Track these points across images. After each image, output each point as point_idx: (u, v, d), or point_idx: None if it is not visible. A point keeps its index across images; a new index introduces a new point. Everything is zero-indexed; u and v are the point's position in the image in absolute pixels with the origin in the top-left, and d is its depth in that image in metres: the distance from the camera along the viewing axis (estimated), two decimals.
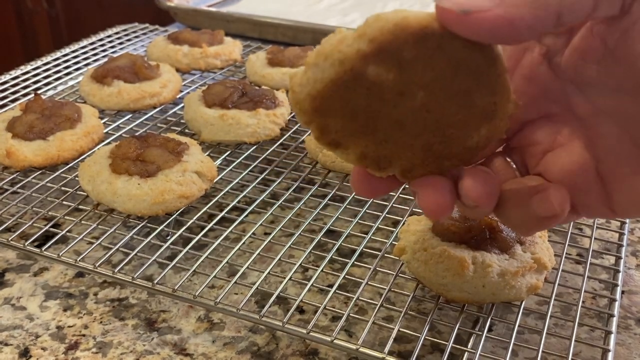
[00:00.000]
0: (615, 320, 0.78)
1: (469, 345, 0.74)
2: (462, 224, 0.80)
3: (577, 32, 0.52)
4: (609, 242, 0.94)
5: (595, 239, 0.92)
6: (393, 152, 0.52)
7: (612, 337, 0.75)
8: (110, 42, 1.61)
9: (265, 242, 0.88)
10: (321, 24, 1.66)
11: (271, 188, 1.00)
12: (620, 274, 0.85)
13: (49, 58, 1.49)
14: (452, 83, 0.49)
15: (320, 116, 0.49)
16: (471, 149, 0.54)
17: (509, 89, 0.52)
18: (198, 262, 0.83)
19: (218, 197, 0.98)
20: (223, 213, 0.93)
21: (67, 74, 1.43)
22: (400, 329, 0.75)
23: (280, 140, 1.15)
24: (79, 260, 0.84)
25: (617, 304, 0.80)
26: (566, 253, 0.87)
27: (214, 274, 0.82)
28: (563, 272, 0.85)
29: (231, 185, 1.00)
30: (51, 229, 0.92)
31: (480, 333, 0.75)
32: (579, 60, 0.52)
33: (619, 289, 0.82)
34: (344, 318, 0.75)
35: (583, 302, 0.79)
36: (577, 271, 0.87)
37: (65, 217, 0.94)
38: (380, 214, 0.94)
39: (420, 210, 0.92)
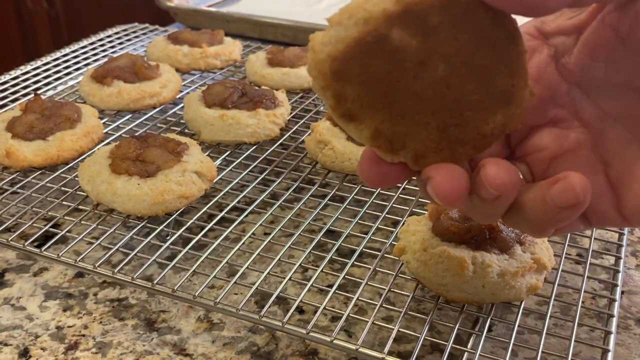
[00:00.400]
0: (615, 320, 0.77)
1: (469, 346, 0.74)
2: (462, 224, 0.80)
3: (587, 27, 0.52)
4: (609, 242, 0.93)
5: (595, 239, 0.92)
6: (408, 130, 0.51)
7: (612, 337, 0.75)
8: (110, 42, 1.62)
9: (265, 242, 0.87)
10: (321, 24, 1.65)
11: (271, 188, 1.00)
12: (620, 274, 0.85)
13: (48, 58, 1.49)
14: (474, 57, 0.49)
15: (338, 81, 0.47)
16: (486, 136, 0.53)
17: (527, 72, 0.51)
18: (198, 262, 0.83)
19: (218, 197, 0.98)
20: (223, 213, 0.93)
21: (67, 74, 1.43)
22: (400, 329, 0.75)
23: (280, 141, 1.15)
24: (79, 261, 0.85)
25: (616, 304, 0.80)
26: (566, 253, 0.87)
27: (213, 274, 0.82)
28: (563, 272, 0.85)
29: (231, 185, 1.00)
30: (51, 229, 0.92)
31: (480, 333, 0.74)
32: (587, 59, 0.52)
33: (618, 289, 0.82)
34: (343, 318, 0.74)
35: (583, 302, 0.79)
36: (576, 271, 0.87)
37: (65, 217, 0.94)
38: (380, 214, 0.94)
39: (420, 211, 0.93)
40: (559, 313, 0.83)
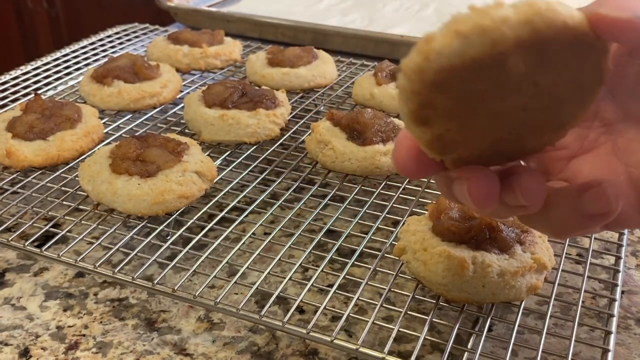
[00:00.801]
0: (615, 320, 0.77)
1: (469, 345, 0.74)
2: (462, 224, 0.79)
3: None
4: (609, 242, 0.93)
5: (595, 238, 0.92)
6: (466, 139, 0.49)
7: (612, 337, 0.74)
8: (110, 42, 1.61)
9: (265, 242, 0.87)
10: (321, 24, 1.66)
11: (271, 188, 1.00)
12: (620, 273, 0.85)
13: (49, 58, 1.49)
14: (561, 91, 0.47)
15: (433, 91, 0.44)
16: (525, 152, 0.53)
17: (591, 106, 0.50)
18: (198, 262, 0.83)
19: (218, 197, 0.97)
20: (223, 213, 0.93)
21: (67, 74, 1.43)
22: (400, 329, 0.74)
23: (280, 141, 1.14)
24: (79, 261, 0.84)
25: (616, 304, 0.79)
26: (566, 253, 0.87)
27: (214, 274, 0.81)
28: (563, 272, 0.84)
29: (231, 185, 1.00)
30: (51, 229, 0.92)
31: (480, 333, 0.74)
32: (625, 55, 0.51)
33: (618, 289, 0.82)
34: (343, 318, 0.74)
35: (583, 302, 0.78)
36: (577, 271, 0.87)
37: (65, 217, 0.94)
38: (380, 214, 0.93)
39: (420, 210, 0.92)
40: (559, 313, 0.83)
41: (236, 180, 1.01)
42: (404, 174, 0.54)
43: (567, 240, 0.90)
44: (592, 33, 0.44)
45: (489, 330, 0.78)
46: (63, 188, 1.00)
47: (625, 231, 0.93)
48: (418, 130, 0.48)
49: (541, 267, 0.78)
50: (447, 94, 0.44)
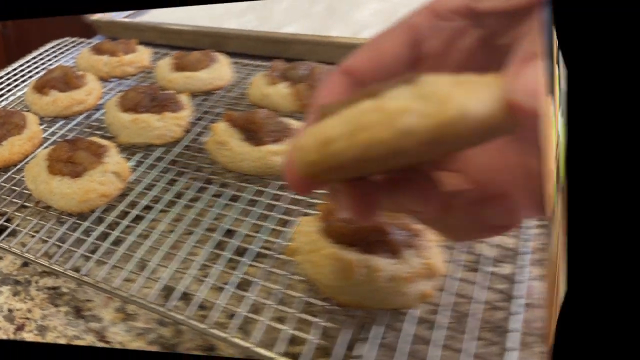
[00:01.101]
0: (514, 335, 0.63)
1: (357, 352, 0.64)
2: (349, 226, 0.68)
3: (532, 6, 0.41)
4: (509, 249, 0.75)
5: (492, 245, 0.75)
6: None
7: (511, 354, 0.61)
8: (47, 55, 1.57)
9: (171, 240, 0.84)
10: (217, 28, 1.62)
11: (175, 188, 0.97)
12: (520, 284, 0.69)
13: (2, 72, 1.47)
14: None
15: (326, 170, 0.39)
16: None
17: None
18: (115, 257, 0.83)
19: (132, 196, 0.96)
20: (136, 211, 0.92)
21: (15, 86, 1.41)
22: (292, 331, 0.67)
23: (184, 142, 1.11)
24: (25, 252, 0.86)
25: (515, 317, 0.65)
26: (460, 259, 0.73)
27: (128, 268, 0.80)
28: (457, 281, 0.70)
29: (143, 185, 0.99)
30: (4, 223, 0.93)
31: (368, 340, 0.65)
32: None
33: (517, 301, 0.67)
34: (239, 316, 0.70)
35: (478, 313, 0.66)
36: (472, 280, 0.70)
37: (15, 212, 0.95)
38: (276, 214, 0.87)
39: (312, 211, 0.83)
40: (454, 324, 0.66)
41: (147, 181, 1.00)
42: (296, 191, 0.47)
43: (462, 245, 0.74)
44: (505, 117, 0.34)
45: (377, 337, 0.66)
46: (13, 187, 1.01)
47: (527, 238, 0.75)
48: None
49: (433, 274, 0.66)
50: (339, 173, 0.40)
